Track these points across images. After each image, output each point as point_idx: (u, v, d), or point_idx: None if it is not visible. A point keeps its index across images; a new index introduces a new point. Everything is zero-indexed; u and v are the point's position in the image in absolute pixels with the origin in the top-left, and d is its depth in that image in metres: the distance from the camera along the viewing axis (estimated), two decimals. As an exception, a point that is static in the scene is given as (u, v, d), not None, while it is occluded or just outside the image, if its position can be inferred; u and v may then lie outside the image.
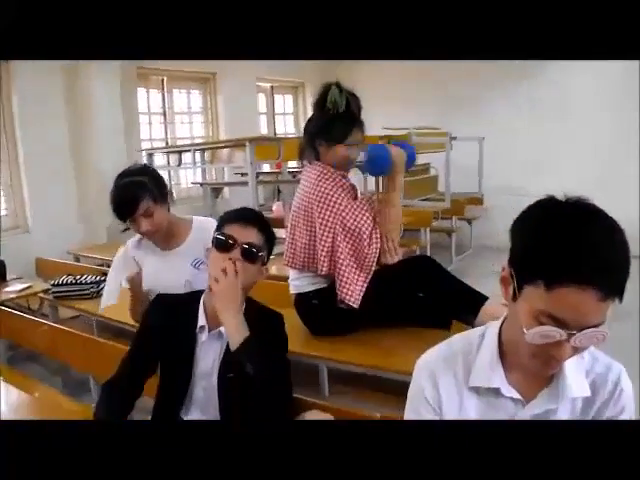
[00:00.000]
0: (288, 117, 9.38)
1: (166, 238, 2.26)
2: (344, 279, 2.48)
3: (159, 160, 6.13)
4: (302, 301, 2.64)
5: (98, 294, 3.54)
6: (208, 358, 1.74)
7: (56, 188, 5.85)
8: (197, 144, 6.13)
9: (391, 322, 2.61)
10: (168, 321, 1.76)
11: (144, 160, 5.64)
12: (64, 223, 5.90)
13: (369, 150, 2.54)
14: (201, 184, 5.83)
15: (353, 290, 2.47)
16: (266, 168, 7.11)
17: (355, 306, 2.47)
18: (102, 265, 5.02)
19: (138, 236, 2.31)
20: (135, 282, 2.21)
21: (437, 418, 1.28)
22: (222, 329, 1.71)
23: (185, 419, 1.78)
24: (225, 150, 6.29)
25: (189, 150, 5.10)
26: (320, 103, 2.53)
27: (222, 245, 1.67)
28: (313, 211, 2.52)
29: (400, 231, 2.53)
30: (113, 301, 2.33)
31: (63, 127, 5.88)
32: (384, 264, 2.51)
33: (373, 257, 2.48)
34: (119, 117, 6.06)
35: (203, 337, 1.73)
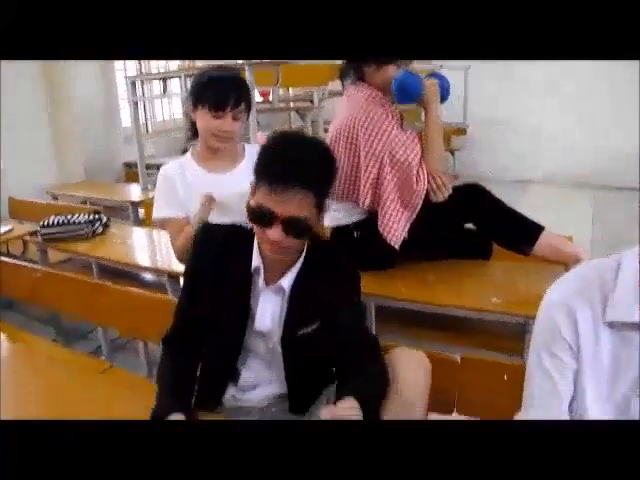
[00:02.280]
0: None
1: (224, 156, 2.07)
2: (387, 215, 2.27)
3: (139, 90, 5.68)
4: (343, 234, 2.41)
5: (94, 234, 3.26)
6: (266, 312, 1.49)
7: (27, 122, 5.39)
8: (189, 67, 5.69)
9: (435, 255, 2.45)
10: (219, 255, 1.48)
11: (126, 88, 5.24)
12: (37, 161, 5.48)
13: (399, 77, 2.27)
14: (187, 114, 5.43)
15: (395, 229, 2.27)
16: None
17: (396, 247, 2.28)
18: (85, 203, 4.72)
19: (175, 161, 2.14)
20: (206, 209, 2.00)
21: (573, 358, 1.18)
22: (283, 283, 1.46)
23: (242, 378, 1.56)
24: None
25: (178, 77, 4.67)
26: None
27: (257, 219, 1.34)
28: (358, 137, 2.26)
29: (445, 165, 2.30)
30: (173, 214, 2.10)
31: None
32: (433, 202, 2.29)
33: (420, 196, 2.26)
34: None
35: (259, 284, 1.47)
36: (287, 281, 1.46)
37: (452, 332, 2.22)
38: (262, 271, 1.46)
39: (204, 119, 1.94)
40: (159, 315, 2.06)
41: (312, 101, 5.63)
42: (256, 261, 1.46)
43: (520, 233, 2.23)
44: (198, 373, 1.56)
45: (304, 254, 1.48)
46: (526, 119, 7.27)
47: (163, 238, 3.16)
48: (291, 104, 5.93)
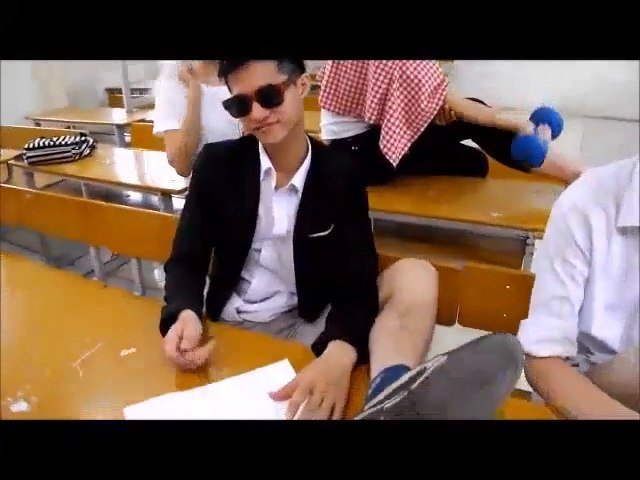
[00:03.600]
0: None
1: None
2: (390, 132, 2.21)
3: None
4: (340, 147, 2.36)
5: (81, 156, 3.17)
6: (282, 215, 1.46)
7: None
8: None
9: (432, 171, 2.42)
10: (225, 173, 1.45)
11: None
12: (18, 88, 5.29)
13: (524, 145, 2.15)
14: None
15: (396, 147, 2.22)
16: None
17: (394, 164, 2.23)
18: (69, 128, 4.61)
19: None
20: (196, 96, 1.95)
21: (585, 265, 1.18)
22: (295, 182, 1.43)
23: (250, 290, 1.55)
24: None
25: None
26: None
27: (236, 111, 1.33)
28: None
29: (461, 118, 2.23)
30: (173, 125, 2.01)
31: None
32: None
33: (427, 116, 2.19)
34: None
35: (270, 187, 1.44)
36: (298, 180, 1.44)
37: (449, 247, 2.22)
38: (273, 171, 1.43)
39: None
40: (152, 231, 2.06)
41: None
42: (266, 163, 1.43)
43: None
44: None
45: (310, 155, 1.46)
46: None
47: (152, 158, 3.11)
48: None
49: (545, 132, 2.16)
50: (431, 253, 2.17)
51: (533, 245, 1.97)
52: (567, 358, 1.21)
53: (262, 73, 1.27)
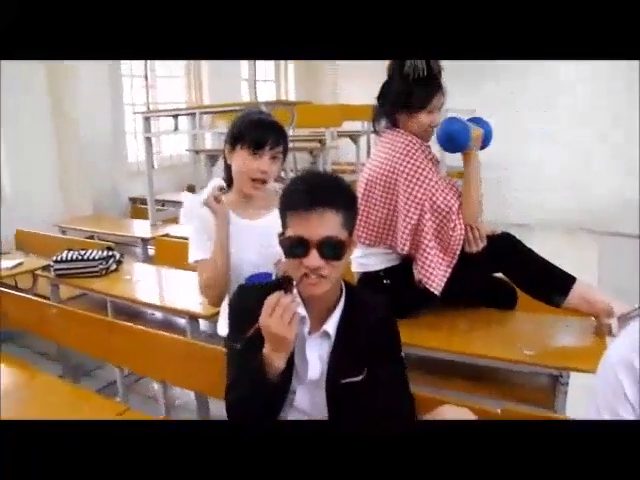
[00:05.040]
0: (269, 84, 9.03)
1: (257, 203, 2.06)
2: (427, 261, 2.24)
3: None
4: (371, 281, 2.37)
5: (107, 271, 3.21)
6: (315, 361, 1.46)
7: (35, 156, 5.38)
8: (202, 106, 5.75)
9: (459, 303, 2.40)
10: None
11: (134, 123, 5.26)
12: (44, 194, 5.45)
13: (448, 125, 2.25)
14: (197, 152, 5.47)
15: (436, 275, 2.23)
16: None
17: (437, 292, 2.24)
18: (92, 238, 4.69)
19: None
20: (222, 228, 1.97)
21: (635, 419, 1.13)
22: (328, 328, 1.44)
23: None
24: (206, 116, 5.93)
25: (191, 114, 4.69)
26: (398, 67, 2.25)
27: (292, 252, 1.35)
28: (397, 183, 2.24)
29: (480, 215, 2.28)
30: (205, 255, 2.02)
31: (43, 90, 5.38)
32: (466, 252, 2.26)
33: (458, 242, 2.23)
34: (104, 80, 5.62)
35: (304, 333, 1.44)
36: (331, 326, 1.44)
37: (481, 383, 2.18)
38: (307, 319, 1.44)
39: (242, 159, 1.94)
40: (178, 356, 2.04)
41: (320, 141, 5.67)
42: (301, 311, 1.41)
43: (552, 284, 2.19)
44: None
45: (343, 299, 1.47)
46: (526, 163, 7.31)
47: (182, 278, 3.13)
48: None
49: (476, 132, 2.22)
50: (462, 389, 2.13)
51: (567, 384, 1.94)
52: None
53: (330, 224, 1.31)
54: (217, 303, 2.04)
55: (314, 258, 1.30)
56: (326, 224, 1.30)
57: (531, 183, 7.32)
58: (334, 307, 1.46)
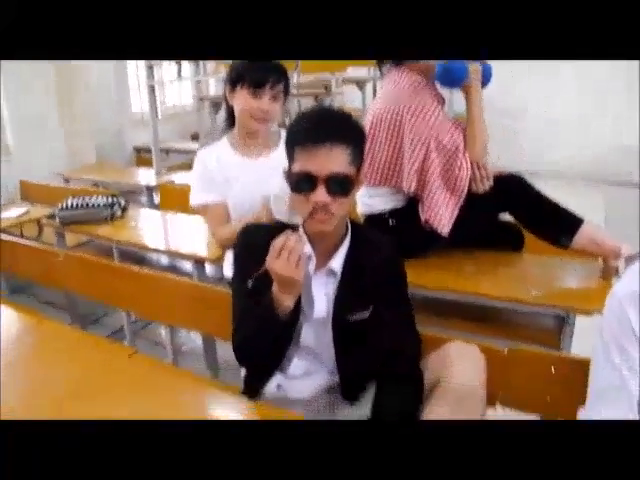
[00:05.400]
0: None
1: (260, 141, 2.07)
2: (434, 202, 2.21)
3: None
4: (376, 222, 2.35)
5: (112, 217, 3.19)
6: (321, 298, 1.46)
7: (38, 106, 5.31)
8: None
9: (466, 244, 2.39)
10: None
11: (141, 73, 5.19)
12: (48, 145, 5.41)
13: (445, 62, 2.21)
14: (200, 98, 5.38)
15: (442, 214, 2.21)
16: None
17: (444, 233, 2.22)
18: (97, 186, 4.68)
19: (211, 146, 2.10)
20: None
21: None
22: (334, 266, 1.43)
23: (290, 370, 1.53)
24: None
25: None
26: None
27: (299, 187, 1.32)
28: (403, 122, 2.20)
29: (486, 154, 2.24)
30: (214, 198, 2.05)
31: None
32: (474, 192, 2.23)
33: (465, 182, 2.19)
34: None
35: (310, 271, 1.44)
36: (337, 264, 1.44)
37: (487, 324, 2.19)
38: (313, 256, 1.43)
39: (243, 99, 1.93)
40: (184, 299, 2.05)
41: (326, 87, 5.57)
42: (307, 249, 1.41)
43: (560, 225, 2.16)
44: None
45: (349, 237, 1.46)
46: (538, 111, 7.18)
47: (187, 223, 3.12)
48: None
49: (474, 66, 2.21)
50: (469, 330, 2.14)
51: (573, 324, 1.94)
52: None
53: (339, 159, 1.28)
54: (227, 247, 2.06)
55: (321, 194, 1.28)
56: (334, 159, 1.28)
57: (539, 133, 7.21)
58: (340, 245, 1.45)
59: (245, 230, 1.54)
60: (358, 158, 1.35)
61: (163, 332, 3.01)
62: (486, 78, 2.27)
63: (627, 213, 5.06)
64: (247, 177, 2.00)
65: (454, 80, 2.20)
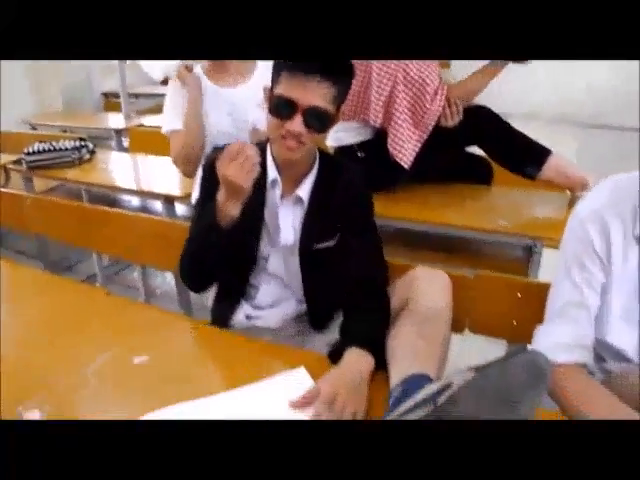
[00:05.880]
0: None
1: (235, 70, 2.02)
2: (398, 134, 2.21)
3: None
4: (345, 154, 2.36)
5: (81, 160, 3.13)
6: (287, 225, 1.46)
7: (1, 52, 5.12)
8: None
9: (435, 178, 2.40)
10: None
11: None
12: (14, 92, 5.24)
13: None
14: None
15: (406, 148, 2.21)
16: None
17: (406, 166, 2.23)
18: (65, 132, 4.58)
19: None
20: (195, 93, 1.93)
21: (603, 272, 1.18)
22: (301, 193, 1.42)
23: (258, 299, 1.55)
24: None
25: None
26: None
27: (277, 111, 1.29)
28: None
29: (470, 100, 2.25)
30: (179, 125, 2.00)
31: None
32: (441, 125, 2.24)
33: (433, 116, 2.19)
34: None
35: (276, 197, 1.43)
36: (304, 191, 1.44)
37: (455, 255, 2.22)
38: (280, 182, 1.42)
39: None
40: (155, 237, 2.04)
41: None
42: (272, 173, 1.41)
43: (527, 155, 2.18)
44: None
45: (317, 166, 1.45)
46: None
47: (153, 163, 3.09)
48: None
49: None
50: (437, 260, 2.17)
51: (540, 254, 1.97)
52: (583, 365, 1.20)
53: (323, 94, 1.26)
54: (191, 174, 2.03)
55: (297, 123, 1.26)
56: (319, 93, 1.25)
57: (513, 74, 7.14)
58: (308, 173, 1.44)
59: (214, 150, 1.51)
60: (341, 97, 1.33)
61: (136, 275, 3.00)
62: None
63: (600, 154, 5.11)
64: (218, 106, 1.97)
65: None
